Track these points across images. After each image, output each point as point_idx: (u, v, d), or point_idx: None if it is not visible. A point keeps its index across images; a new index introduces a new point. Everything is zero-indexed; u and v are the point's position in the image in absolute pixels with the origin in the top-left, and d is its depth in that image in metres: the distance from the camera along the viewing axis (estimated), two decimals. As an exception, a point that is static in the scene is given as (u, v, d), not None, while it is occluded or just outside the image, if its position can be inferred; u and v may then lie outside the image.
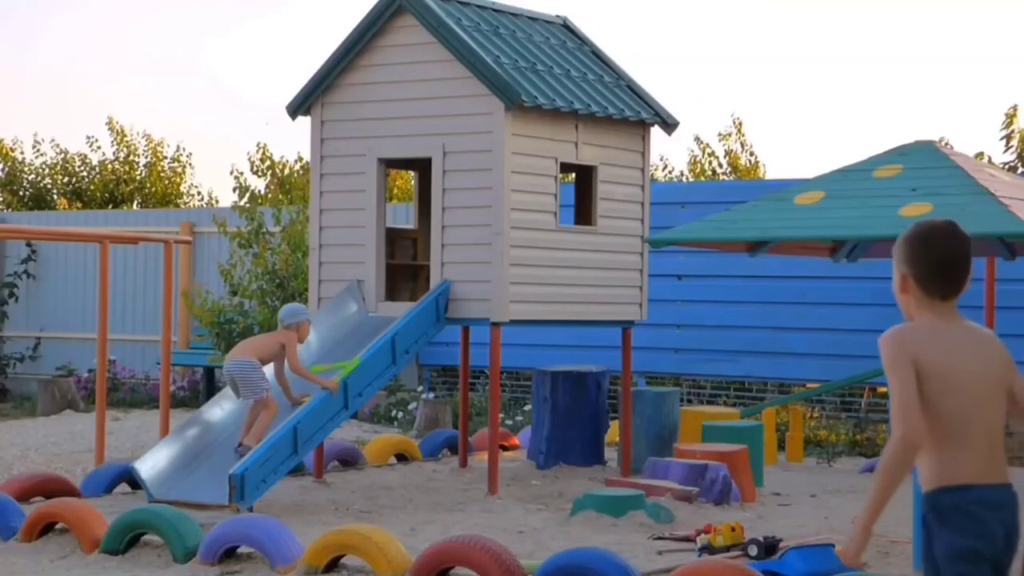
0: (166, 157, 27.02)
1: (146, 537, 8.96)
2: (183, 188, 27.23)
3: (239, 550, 8.66)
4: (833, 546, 8.03)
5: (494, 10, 12.42)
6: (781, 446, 14.34)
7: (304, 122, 12.13)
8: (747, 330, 15.82)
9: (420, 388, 17.92)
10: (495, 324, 11.28)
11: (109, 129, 26.78)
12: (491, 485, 11.26)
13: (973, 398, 4.20)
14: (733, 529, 8.78)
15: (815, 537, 8.71)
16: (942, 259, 4.30)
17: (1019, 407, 4.31)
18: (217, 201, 26.92)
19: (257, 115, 39.45)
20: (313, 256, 12.08)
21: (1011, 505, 4.23)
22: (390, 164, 12.23)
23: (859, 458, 14.29)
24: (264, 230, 16.87)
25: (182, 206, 26.61)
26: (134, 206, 26.26)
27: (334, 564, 8.27)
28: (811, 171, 21.99)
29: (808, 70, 35.23)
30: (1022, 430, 4.41)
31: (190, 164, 27.29)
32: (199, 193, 27.56)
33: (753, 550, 8.44)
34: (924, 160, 9.00)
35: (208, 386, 18.49)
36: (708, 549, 8.66)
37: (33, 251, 21.17)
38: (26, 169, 26.99)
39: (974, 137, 37.67)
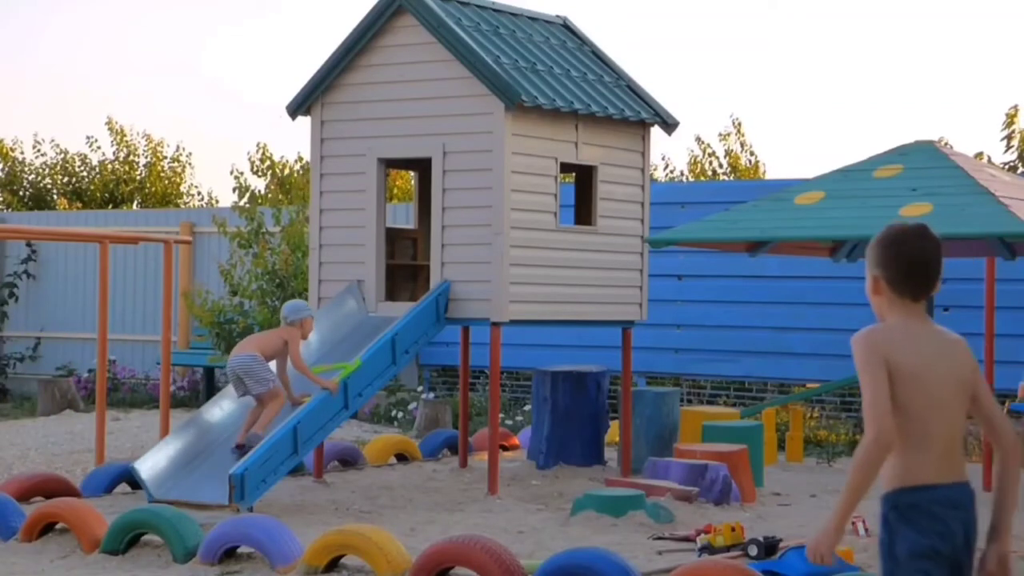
0: (166, 157, 27.03)
1: (146, 537, 8.96)
2: (183, 188, 27.24)
3: (239, 550, 8.66)
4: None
5: (494, 10, 12.42)
6: (781, 446, 14.35)
7: (304, 122, 12.15)
8: (747, 330, 15.82)
9: (420, 388, 17.92)
10: (495, 324, 11.28)
11: (109, 129, 26.80)
12: (491, 485, 11.26)
13: (939, 400, 4.28)
14: (733, 529, 8.78)
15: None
16: (913, 261, 4.38)
17: (983, 413, 4.40)
18: (217, 201, 26.95)
19: (257, 115, 39.45)
20: (313, 256, 12.08)
21: (969, 503, 4.31)
22: (390, 164, 12.23)
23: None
24: (264, 230, 16.87)
25: (182, 206, 26.62)
26: (134, 206, 26.27)
27: (334, 564, 8.27)
28: (811, 171, 22.00)
29: (808, 70, 35.25)
30: (1007, 436, 4.44)
31: (190, 164, 27.31)
32: (199, 193, 27.59)
33: (753, 550, 8.44)
34: (924, 160, 9.01)
35: (208, 386, 18.49)
36: (708, 549, 8.66)
37: (33, 251, 21.17)
38: (26, 169, 27.00)
39: (974, 137, 37.68)
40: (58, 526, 9.34)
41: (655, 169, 21.98)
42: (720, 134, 22.23)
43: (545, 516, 10.32)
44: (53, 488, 10.64)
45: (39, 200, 26.57)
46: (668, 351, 16.39)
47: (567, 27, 13.14)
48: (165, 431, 12.51)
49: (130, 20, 41.24)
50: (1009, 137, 17.72)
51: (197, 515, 9.26)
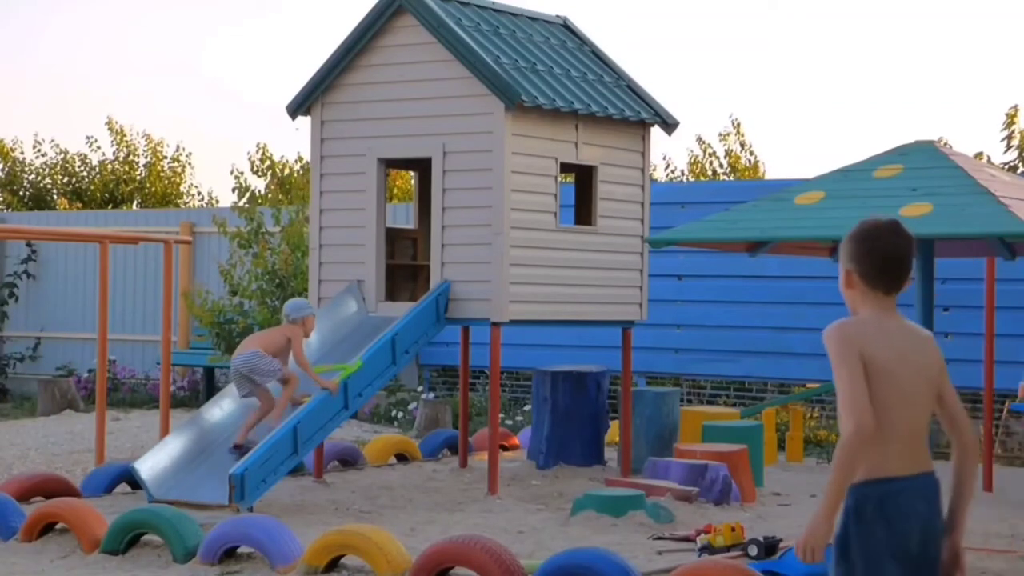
0: (166, 157, 27.03)
1: (146, 537, 8.96)
2: (183, 188, 27.24)
3: (239, 550, 8.66)
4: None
5: (494, 10, 12.42)
6: (781, 446, 14.35)
7: (304, 122, 12.15)
8: (747, 330, 15.82)
9: (420, 388, 17.92)
10: (495, 324, 11.28)
11: (109, 129, 26.80)
12: (491, 485, 11.26)
13: (909, 395, 4.36)
14: (733, 529, 8.78)
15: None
16: (885, 256, 4.45)
17: (947, 411, 4.49)
18: (217, 201, 26.94)
19: (257, 115, 39.44)
20: (313, 256, 12.08)
21: (934, 493, 4.40)
22: (390, 164, 12.24)
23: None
24: (263, 230, 16.87)
25: (182, 206, 26.62)
26: (134, 206, 26.27)
27: (334, 564, 8.27)
28: (811, 171, 22.02)
29: (808, 70, 35.25)
30: (966, 435, 4.54)
31: (190, 164, 27.31)
32: (199, 193, 27.59)
33: (753, 550, 8.44)
34: (924, 160, 9.00)
35: (208, 386, 18.49)
36: (708, 549, 8.66)
37: (33, 251, 21.17)
38: (26, 169, 27.00)
39: (974, 137, 37.67)
40: (58, 526, 9.34)
41: (655, 169, 21.99)
42: (720, 134, 22.26)
43: (545, 516, 10.32)
44: (53, 488, 10.64)
45: (39, 200, 26.57)
46: (668, 351, 16.39)
47: (567, 27, 13.14)
48: (165, 431, 12.51)
49: (130, 20, 41.27)
50: (1009, 137, 17.72)
51: (197, 515, 9.26)
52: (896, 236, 4.47)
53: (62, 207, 26.23)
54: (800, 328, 15.29)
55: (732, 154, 22.12)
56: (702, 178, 22.02)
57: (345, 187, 11.89)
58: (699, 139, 22.37)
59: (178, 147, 27.16)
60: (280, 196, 20.45)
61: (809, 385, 15.56)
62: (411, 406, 17.03)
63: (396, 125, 11.69)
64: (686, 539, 9.15)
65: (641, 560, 8.40)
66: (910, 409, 4.36)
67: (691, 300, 16.30)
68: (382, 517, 10.20)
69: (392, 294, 11.96)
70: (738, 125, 22.14)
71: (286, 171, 21.86)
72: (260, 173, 21.72)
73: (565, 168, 12.17)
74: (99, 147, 26.81)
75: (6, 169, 26.98)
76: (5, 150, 26.99)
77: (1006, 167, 17.28)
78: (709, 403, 16.44)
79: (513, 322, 11.40)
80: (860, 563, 4.31)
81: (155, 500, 10.20)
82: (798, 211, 9.22)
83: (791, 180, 14.37)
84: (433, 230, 11.56)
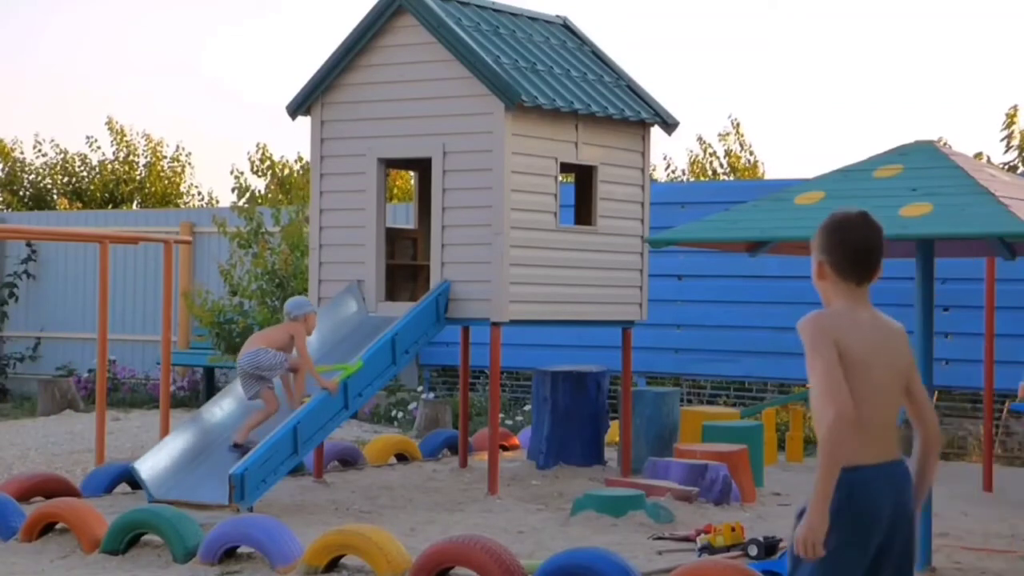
0: (165, 157, 27.03)
1: (146, 537, 8.96)
2: (183, 188, 27.24)
3: (239, 550, 8.66)
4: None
5: (494, 10, 12.42)
6: (781, 446, 14.35)
7: (304, 122, 12.15)
8: (747, 330, 15.82)
9: (420, 388, 17.92)
10: (495, 324, 11.29)
11: (109, 129, 26.79)
12: (491, 485, 11.26)
13: (880, 387, 4.45)
14: (733, 529, 8.78)
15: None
16: (856, 247, 4.53)
17: (915, 405, 4.59)
18: (217, 201, 26.94)
19: (257, 115, 39.44)
20: (313, 256, 12.08)
21: (903, 479, 4.47)
22: (390, 164, 12.24)
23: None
24: (263, 230, 16.87)
25: (182, 206, 26.61)
26: (134, 206, 26.26)
27: (334, 564, 8.27)
28: (811, 171, 22.02)
29: (808, 70, 35.25)
30: (928, 428, 4.67)
31: (189, 164, 27.30)
32: (199, 193, 27.58)
33: (753, 550, 8.44)
34: (924, 160, 8.99)
35: (208, 386, 18.49)
36: (708, 549, 8.66)
37: (33, 251, 21.17)
38: (26, 169, 27.00)
39: (974, 137, 37.67)
40: (58, 526, 9.34)
41: (655, 169, 21.99)
42: (719, 134, 22.27)
43: (545, 516, 10.32)
44: (53, 488, 10.64)
45: (39, 200, 26.57)
46: (668, 351, 16.39)
47: (567, 27, 13.14)
48: (165, 431, 12.51)
49: (130, 20, 41.27)
50: (1009, 137, 17.73)
51: (197, 515, 9.26)
52: (866, 227, 4.56)
53: (62, 207, 26.23)
54: (800, 328, 15.27)
55: (732, 154, 22.12)
56: (702, 178, 22.02)
57: (345, 187, 11.89)
58: (699, 139, 22.39)
59: (178, 147, 27.18)
60: (280, 196, 20.45)
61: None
62: (411, 406, 17.04)
63: (396, 125, 11.69)
64: (686, 539, 9.15)
65: (641, 560, 8.40)
66: (881, 401, 4.44)
67: (691, 300, 16.30)
68: (382, 517, 10.20)
69: (392, 294, 11.96)
70: (737, 125, 22.16)
71: (286, 171, 21.85)
72: (260, 173, 21.72)
73: (565, 168, 12.17)
74: (99, 147, 26.83)
75: (6, 169, 26.98)
76: (5, 150, 26.99)
77: (1006, 167, 17.29)
78: (709, 403, 16.44)
79: (513, 322, 11.41)
80: (825, 549, 4.35)
81: (155, 500, 10.20)
82: (798, 211, 9.20)
83: (791, 180, 14.37)
84: (433, 230, 11.56)
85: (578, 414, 12.76)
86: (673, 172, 22.58)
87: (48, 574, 8.51)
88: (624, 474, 12.20)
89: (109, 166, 26.73)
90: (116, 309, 19.33)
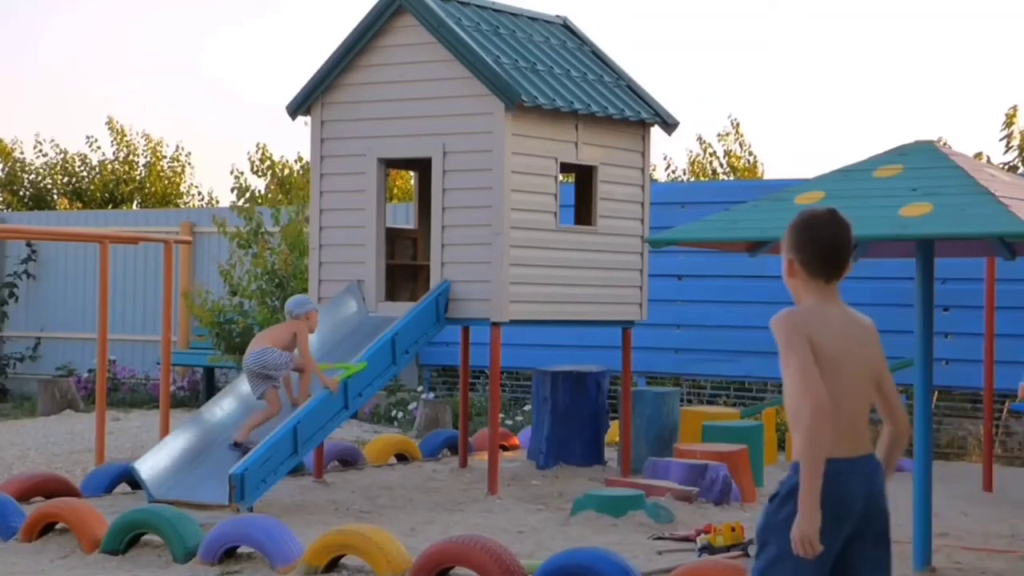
0: (165, 157, 27.03)
1: (146, 537, 8.96)
2: (183, 188, 27.24)
3: (239, 550, 8.66)
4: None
5: (494, 10, 12.42)
6: (781, 446, 14.34)
7: (304, 122, 12.14)
8: (747, 330, 15.81)
9: (420, 388, 17.92)
10: (495, 324, 11.29)
11: (109, 129, 26.80)
12: (491, 485, 11.26)
13: (851, 384, 4.50)
14: (733, 529, 8.78)
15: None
16: (825, 244, 4.59)
17: (885, 399, 4.64)
18: (217, 201, 26.94)
19: (257, 115, 39.44)
20: (313, 256, 12.08)
21: (874, 472, 4.52)
22: (390, 164, 12.24)
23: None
24: (263, 230, 16.87)
25: (182, 206, 26.62)
26: (134, 206, 26.27)
27: (334, 564, 8.27)
28: (811, 171, 22.02)
29: (808, 70, 35.25)
30: (899, 424, 4.74)
31: (189, 164, 27.31)
32: (199, 193, 27.59)
33: (753, 550, 8.43)
34: (924, 160, 8.98)
35: (208, 386, 18.49)
36: (708, 549, 8.66)
37: (33, 251, 21.17)
38: (26, 169, 27.00)
39: (974, 137, 37.68)
40: (58, 526, 9.34)
41: (655, 169, 22.00)
42: (719, 134, 22.27)
43: (545, 516, 10.32)
44: (53, 488, 10.64)
45: (39, 200, 26.57)
46: (668, 351, 16.39)
47: (567, 27, 13.14)
48: (165, 431, 12.51)
49: (130, 20, 41.27)
50: (1009, 137, 17.73)
51: (197, 515, 9.26)
52: (834, 225, 4.62)
53: (62, 207, 26.23)
54: (800, 328, 15.27)
55: (732, 154, 22.13)
56: (702, 178, 22.03)
57: (345, 187, 11.89)
58: (699, 139, 22.39)
59: (178, 147, 27.18)
60: (280, 196, 20.45)
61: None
62: (411, 406, 17.04)
63: (396, 125, 11.69)
64: (686, 539, 9.15)
65: (641, 560, 8.40)
66: (853, 397, 4.49)
67: (691, 300, 16.30)
68: (382, 517, 10.20)
69: (392, 294, 11.96)
70: (737, 125, 22.17)
71: (286, 171, 21.86)
72: (260, 173, 21.73)
73: (565, 168, 12.17)
74: (99, 147, 26.84)
75: (6, 169, 26.98)
76: (6, 150, 26.99)
77: (1006, 167, 17.29)
78: (709, 403, 16.44)
79: (513, 322, 11.41)
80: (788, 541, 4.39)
81: (155, 500, 10.20)
82: (798, 211, 9.21)
83: (791, 180, 14.37)
84: (433, 230, 11.56)
85: (578, 414, 12.76)
86: (673, 172, 22.58)
87: (48, 574, 8.51)
88: (624, 474, 12.20)
89: (109, 166, 26.73)
90: (116, 309, 19.33)
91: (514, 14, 12.64)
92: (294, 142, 46.18)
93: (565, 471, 12.44)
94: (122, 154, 26.78)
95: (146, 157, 26.89)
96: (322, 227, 12.03)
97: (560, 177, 11.87)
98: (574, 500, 10.24)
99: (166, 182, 26.86)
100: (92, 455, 13.18)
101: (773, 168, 38.61)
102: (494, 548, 7.66)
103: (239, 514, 9.56)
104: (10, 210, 25.83)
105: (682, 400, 15.49)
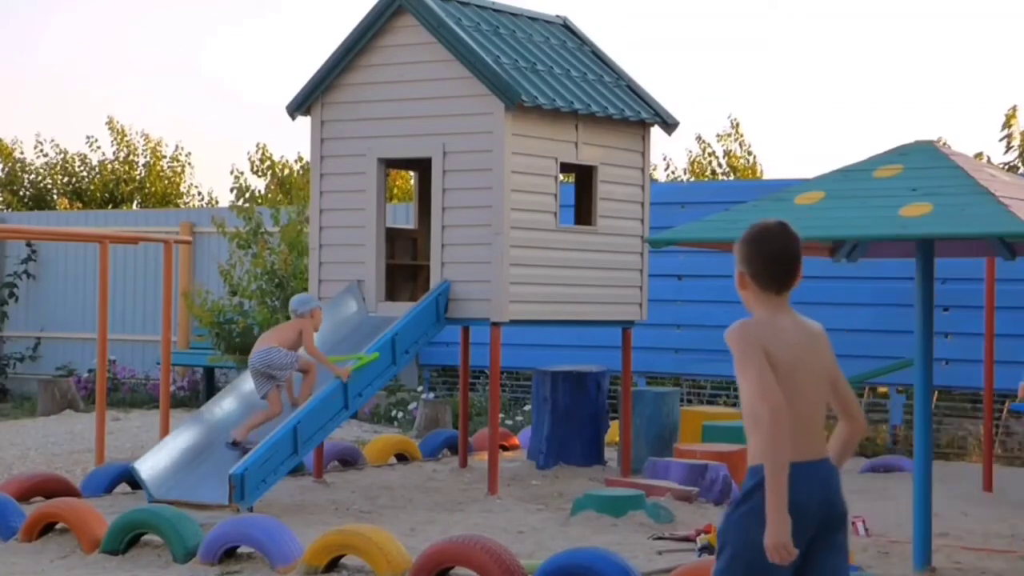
0: (165, 157, 27.03)
1: (146, 537, 8.96)
2: (183, 188, 27.24)
3: (239, 550, 8.66)
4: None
5: (494, 10, 12.42)
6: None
7: (304, 122, 12.15)
8: (747, 330, 15.79)
9: (420, 388, 17.92)
10: (495, 324, 11.29)
11: (109, 129, 26.79)
12: (491, 485, 11.26)
13: (805, 390, 4.57)
14: (733, 529, 8.76)
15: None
16: (774, 257, 4.65)
17: (841, 399, 4.71)
18: (217, 201, 26.94)
19: (257, 115, 39.44)
20: (313, 256, 12.08)
21: (828, 476, 4.57)
22: (390, 164, 12.24)
23: (859, 458, 14.27)
24: (262, 230, 16.87)
25: (182, 206, 26.61)
26: (134, 206, 26.26)
27: (334, 564, 8.27)
28: (811, 171, 22.03)
29: (808, 70, 35.25)
30: (855, 423, 4.81)
31: (189, 164, 27.30)
32: (199, 193, 27.58)
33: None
34: (924, 160, 8.99)
35: (208, 386, 18.49)
36: (708, 549, 8.66)
37: (33, 251, 21.17)
38: (26, 169, 27.00)
39: (974, 137, 37.68)
40: (58, 526, 9.34)
41: (655, 169, 21.99)
42: (718, 135, 22.26)
43: (545, 516, 10.32)
44: (53, 488, 10.64)
45: (39, 200, 26.57)
46: (668, 351, 16.39)
47: (567, 27, 13.14)
48: (165, 431, 12.51)
49: (130, 20, 41.27)
50: (1008, 137, 17.73)
51: (197, 515, 9.26)
52: (784, 237, 4.67)
53: (62, 207, 26.23)
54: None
55: (731, 154, 22.12)
56: (702, 178, 22.02)
57: (345, 187, 11.89)
58: (699, 139, 22.39)
59: (178, 147, 27.18)
60: (280, 196, 20.45)
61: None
62: (411, 406, 17.04)
63: (396, 125, 11.69)
64: (686, 539, 9.15)
65: (641, 560, 8.40)
66: (808, 404, 4.56)
67: (691, 300, 16.30)
68: (382, 517, 10.20)
69: (392, 294, 11.96)
70: (737, 125, 22.17)
71: (286, 171, 21.85)
72: (260, 173, 21.72)
73: (565, 168, 12.17)
74: (99, 147, 26.84)
75: (6, 169, 26.97)
76: (6, 150, 26.99)
77: (1006, 167, 17.29)
78: (709, 403, 16.44)
79: (513, 322, 11.41)
80: (750, 540, 4.43)
81: (155, 500, 10.20)
82: (798, 211, 9.21)
83: (791, 180, 14.37)
84: (433, 230, 11.56)
85: (578, 414, 12.76)
86: (673, 172, 22.58)
87: (48, 574, 8.51)
88: (624, 474, 12.20)
89: (109, 166, 26.73)
90: (116, 309, 19.33)
91: (514, 14, 12.64)
92: (294, 142, 46.18)
93: (565, 471, 12.44)
94: (122, 154, 26.78)
95: (146, 157, 26.88)
96: (322, 227, 12.03)
97: (560, 177, 11.86)
98: (574, 500, 10.24)
99: (166, 182, 26.86)
100: (92, 455, 13.18)
101: (773, 168, 38.62)
102: (494, 548, 7.66)
103: (239, 514, 9.56)
104: (10, 210, 25.83)
105: (682, 400, 15.49)
